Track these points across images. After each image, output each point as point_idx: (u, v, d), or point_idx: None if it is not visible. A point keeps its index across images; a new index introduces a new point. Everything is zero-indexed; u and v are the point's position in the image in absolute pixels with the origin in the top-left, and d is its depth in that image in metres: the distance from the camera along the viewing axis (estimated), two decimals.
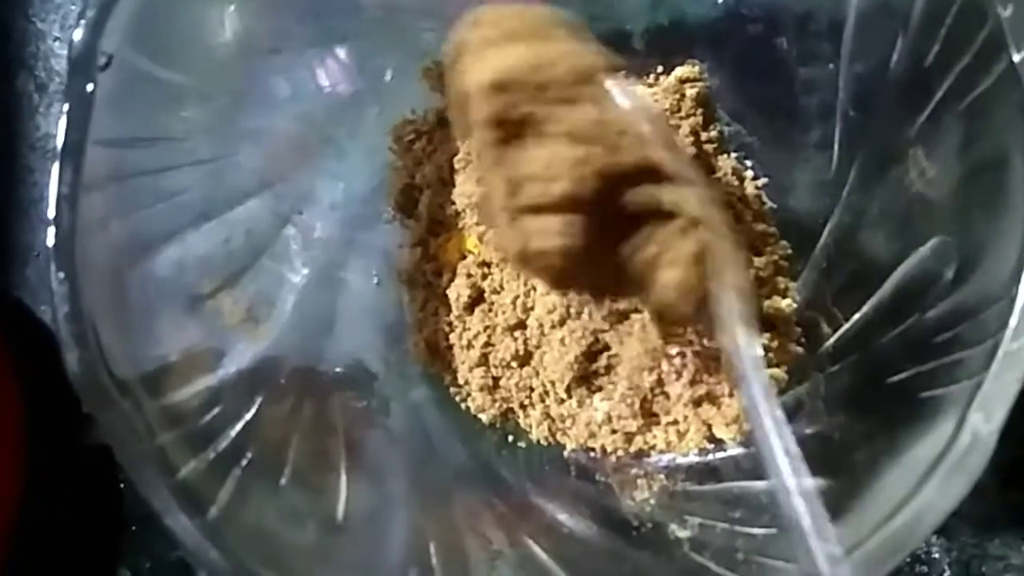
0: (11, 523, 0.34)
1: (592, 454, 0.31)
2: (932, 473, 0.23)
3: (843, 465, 0.27)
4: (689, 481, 0.30)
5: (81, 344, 0.25)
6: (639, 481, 0.30)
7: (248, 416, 0.29)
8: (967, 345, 0.25)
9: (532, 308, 0.31)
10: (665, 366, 0.30)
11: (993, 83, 0.25)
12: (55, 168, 0.26)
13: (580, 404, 0.31)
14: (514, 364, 0.32)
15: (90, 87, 0.26)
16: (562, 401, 0.31)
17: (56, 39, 0.39)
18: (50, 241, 0.25)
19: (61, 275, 0.25)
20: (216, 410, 0.28)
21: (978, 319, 0.25)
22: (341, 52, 0.34)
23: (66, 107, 0.25)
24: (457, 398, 0.32)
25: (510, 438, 0.32)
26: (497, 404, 0.32)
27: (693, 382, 0.30)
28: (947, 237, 0.28)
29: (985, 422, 0.23)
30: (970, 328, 0.25)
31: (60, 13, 0.39)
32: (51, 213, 0.25)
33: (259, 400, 0.30)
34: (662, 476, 0.30)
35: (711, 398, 0.30)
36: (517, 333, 0.32)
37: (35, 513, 0.35)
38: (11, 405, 0.35)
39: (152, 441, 0.25)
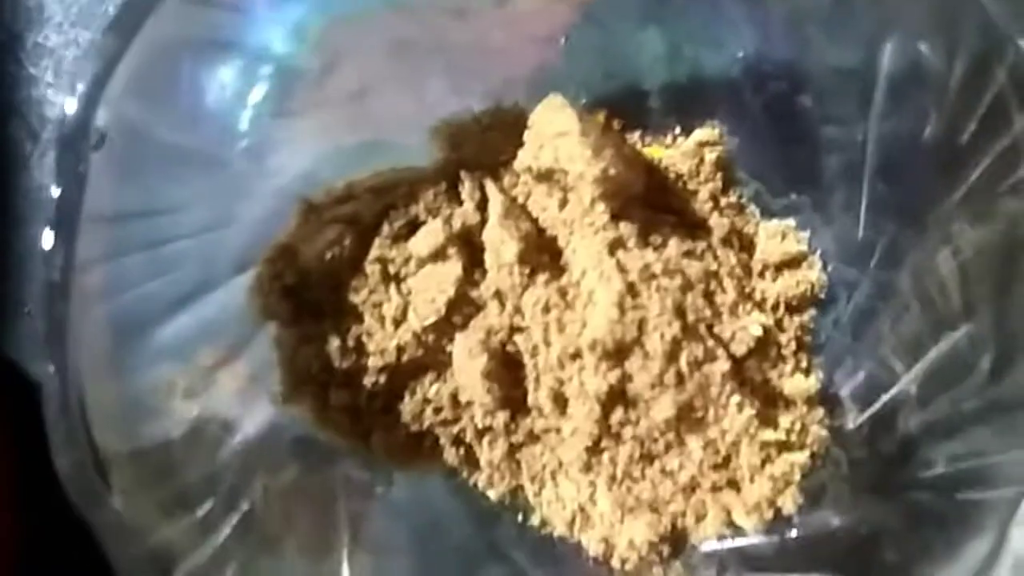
0: None
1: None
2: None
3: (873, 565, 0.26)
4: (706, 570, 0.29)
5: (72, 443, 0.23)
6: (656, 569, 0.29)
7: (247, 503, 0.28)
8: (1007, 448, 0.24)
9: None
10: (683, 450, 0.28)
11: None
12: (46, 238, 0.25)
13: (592, 485, 0.30)
14: (524, 441, 0.30)
15: (81, 167, 0.24)
16: (573, 481, 0.30)
17: (49, 85, 0.37)
18: (41, 329, 0.24)
19: (52, 368, 0.24)
20: (214, 498, 0.27)
21: (1018, 419, 0.24)
22: (346, 109, 0.32)
23: (56, 190, 0.24)
24: (464, 474, 0.31)
25: (520, 517, 0.31)
26: (506, 481, 0.31)
27: (714, 467, 0.28)
28: (983, 324, 0.26)
29: None
30: (1009, 428, 0.24)
31: (54, 58, 0.37)
32: (42, 301, 0.24)
33: (260, 479, 0.29)
34: (678, 564, 0.29)
35: (731, 483, 0.29)
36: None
37: None
38: (6, 471, 0.34)
39: (146, 542, 0.24)
